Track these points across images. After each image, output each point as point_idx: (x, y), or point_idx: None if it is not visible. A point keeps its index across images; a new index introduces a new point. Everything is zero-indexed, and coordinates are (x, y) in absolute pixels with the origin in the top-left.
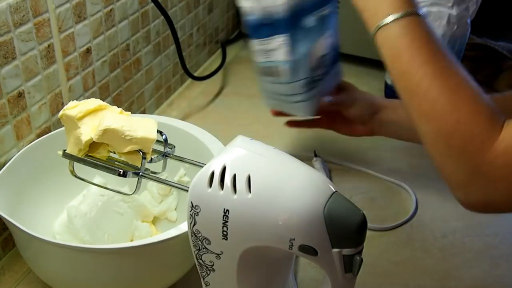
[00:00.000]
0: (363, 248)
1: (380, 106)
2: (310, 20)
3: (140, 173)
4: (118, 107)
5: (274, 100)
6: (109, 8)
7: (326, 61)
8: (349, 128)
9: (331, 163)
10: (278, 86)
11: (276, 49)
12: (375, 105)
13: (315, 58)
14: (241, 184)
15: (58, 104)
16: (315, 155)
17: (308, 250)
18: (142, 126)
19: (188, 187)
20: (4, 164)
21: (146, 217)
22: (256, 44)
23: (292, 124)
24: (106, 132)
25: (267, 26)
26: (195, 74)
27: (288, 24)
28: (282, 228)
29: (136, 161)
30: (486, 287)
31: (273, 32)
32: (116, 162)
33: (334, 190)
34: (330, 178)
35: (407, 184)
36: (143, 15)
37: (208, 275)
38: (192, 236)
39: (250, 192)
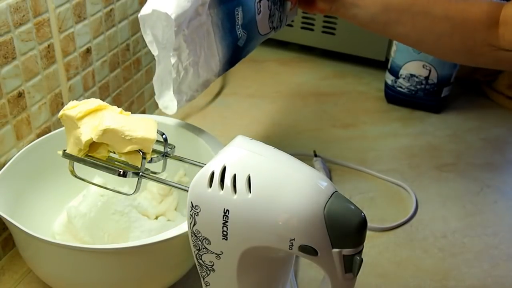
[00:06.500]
0: (363, 248)
1: None
2: None
3: (140, 173)
4: (118, 107)
5: None
6: (109, 8)
7: None
8: (309, 5)
9: (331, 163)
10: None
11: None
12: None
13: None
14: (241, 184)
15: (58, 104)
16: (315, 155)
17: (308, 250)
18: (142, 126)
19: (188, 187)
20: (4, 164)
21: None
22: None
23: None
24: (106, 132)
25: None
26: None
27: None
28: (282, 228)
29: (136, 161)
30: (486, 287)
31: None
32: (116, 162)
33: (334, 190)
34: (330, 178)
35: (407, 184)
36: None
37: (208, 275)
38: (192, 236)
39: (250, 192)
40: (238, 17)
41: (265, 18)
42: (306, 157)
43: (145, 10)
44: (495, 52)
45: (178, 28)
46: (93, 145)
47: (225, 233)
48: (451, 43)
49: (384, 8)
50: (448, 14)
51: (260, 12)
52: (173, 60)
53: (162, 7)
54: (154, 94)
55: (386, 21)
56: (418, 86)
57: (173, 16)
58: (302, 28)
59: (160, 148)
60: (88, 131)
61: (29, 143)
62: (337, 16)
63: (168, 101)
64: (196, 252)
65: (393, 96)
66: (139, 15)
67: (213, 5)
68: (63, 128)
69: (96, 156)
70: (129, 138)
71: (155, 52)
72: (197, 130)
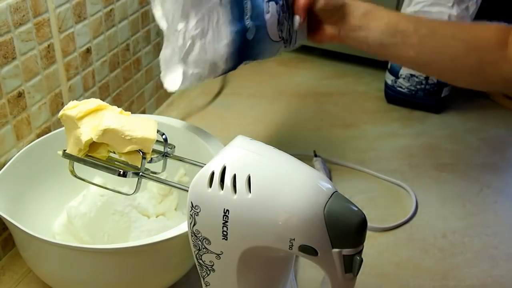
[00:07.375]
0: (363, 248)
1: (349, 6)
2: None
3: (140, 173)
4: (118, 107)
5: None
6: (109, 8)
7: None
8: (318, 31)
9: (331, 163)
10: None
11: None
12: (344, 4)
13: None
14: (241, 184)
15: (58, 104)
16: (315, 155)
17: (308, 250)
18: (142, 126)
19: (188, 187)
20: (4, 164)
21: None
22: None
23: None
24: (106, 132)
25: None
26: None
27: None
28: (282, 228)
29: (136, 161)
30: (486, 287)
31: None
32: (116, 162)
33: (334, 190)
34: (330, 178)
35: (407, 184)
36: (143, 15)
37: (208, 275)
38: (192, 236)
39: (250, 192)
40: (247, 7)
41: (274, 22)
42: (306, 157)
43: None
44: (505, 74)
45: None
46: (93, 145)
47: (225, 233)
48: (467, 62)
49: (389, 30)
50: (456, 35)
51: (268, 11)
52: (180, 26)
53: None
54: (155, 94)
55: (393, 43)
56: (418, 86)
57: None
58: None
59: (160, 148)
60: (88, 131)
61: (29, 143)
62: (346, 44)
63: (173, 74)
64: (196, 252)
65: (393, 96)
66: None
67: None
68: (63, 128)
69: (96, 156)
70: (129, 138)
71: (164, 26)
72: (197, 130)
